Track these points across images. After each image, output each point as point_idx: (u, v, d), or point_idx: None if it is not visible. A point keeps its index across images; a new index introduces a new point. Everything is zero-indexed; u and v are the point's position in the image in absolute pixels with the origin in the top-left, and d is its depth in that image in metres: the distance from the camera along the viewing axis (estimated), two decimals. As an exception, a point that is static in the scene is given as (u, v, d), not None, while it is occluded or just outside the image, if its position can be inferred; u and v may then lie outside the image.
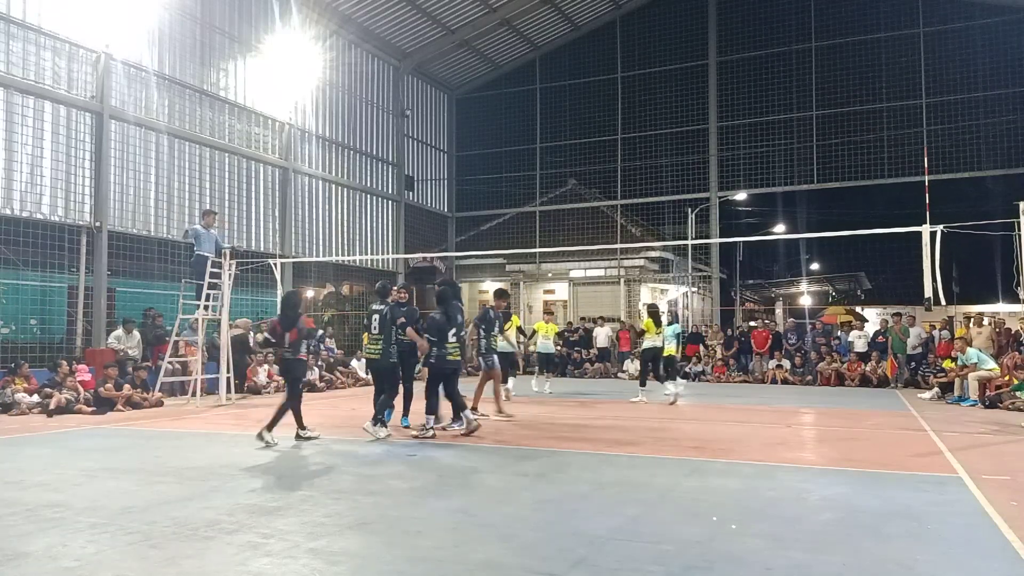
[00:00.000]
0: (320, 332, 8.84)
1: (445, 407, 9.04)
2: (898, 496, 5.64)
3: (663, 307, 24.91)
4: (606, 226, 24.21)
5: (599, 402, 13.50)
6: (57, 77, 13.43)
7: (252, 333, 14.63)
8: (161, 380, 12.72)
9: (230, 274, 12.78)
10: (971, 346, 13.77)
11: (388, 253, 22.82)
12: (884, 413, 11.80)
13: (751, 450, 7.87)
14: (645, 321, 13.91)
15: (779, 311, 28.51)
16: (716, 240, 22.90)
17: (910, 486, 6.11)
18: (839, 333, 19.99)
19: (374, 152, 22.49)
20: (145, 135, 14.98)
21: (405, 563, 4.02)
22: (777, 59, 22.89)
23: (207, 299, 12.74)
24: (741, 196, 23.58)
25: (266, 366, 15.45)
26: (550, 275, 25.02)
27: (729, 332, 20.66)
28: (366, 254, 22.02)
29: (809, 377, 18.10)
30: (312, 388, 15.31)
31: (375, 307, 8.95)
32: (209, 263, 12.70)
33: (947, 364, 14.95)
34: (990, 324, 15.82)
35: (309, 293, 21.90)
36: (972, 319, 16.15)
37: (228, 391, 13.14)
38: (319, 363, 16.37)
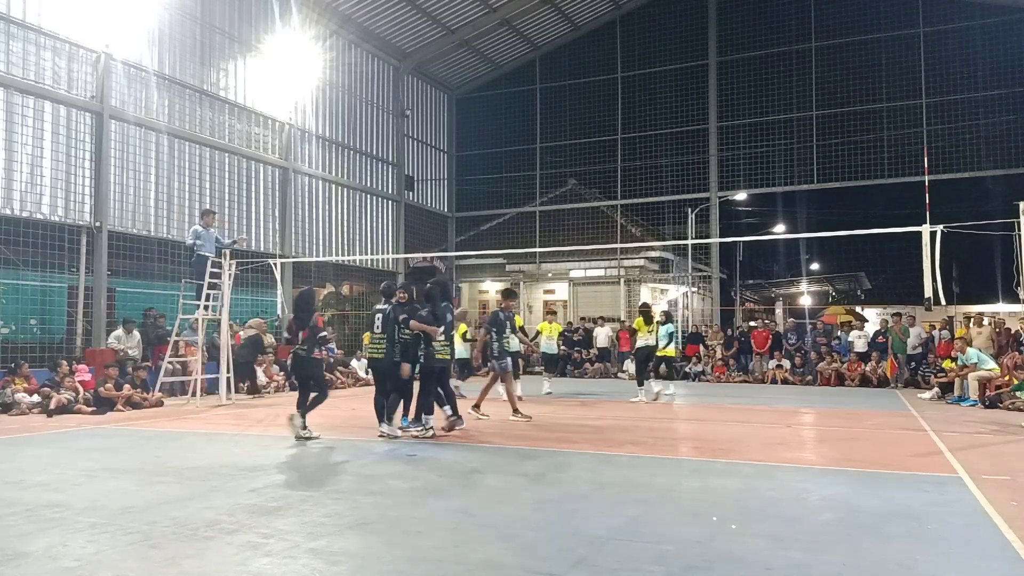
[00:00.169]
0: (323, 333, 8.84)
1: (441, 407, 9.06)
2: (898, 496, 5.64)
3: (664, 307, 24.99)
4: (606, 226, 24.21)
5: (599, 402, 13.50)
6: (57, 77, 13.43)
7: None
8: (161, 380, 12.72)
9: (230, 274, 12.78)
10: (971, 346, 13.77)
11: (388, 253, 22.82)
12: (884, 413, 11.80)
13: (751, 450, 7.87)
14: (636, 320, 13.97)
15: (779, 311, 28.52)
16: (716, 240, 22.90)
17: (910, 486, 6.11)
18: (839, 333, 19.99)
19: (374, 152, 22.49)
20: (145, 135, 14.97)
21: (405, 563, 4.02)
22: (777, 59, 22.88)
23: (207, 299, 12.74)
24: (741, 196, 23.58)
25: (266, 366, 15.45)
26: (550, 275, 25.03)
27: (729, 332, 20.67)
28: (366, 254, 22.02)
29: (809, 377, 18.10)
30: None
31: (378, 307, 8.96)
32: (209, 263, 12.69)
33: (947, 364, 14.95)
34: (990, 324, 15.83)
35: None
36: (972, 319, 16.16)
37: (234, 391, 13.25)
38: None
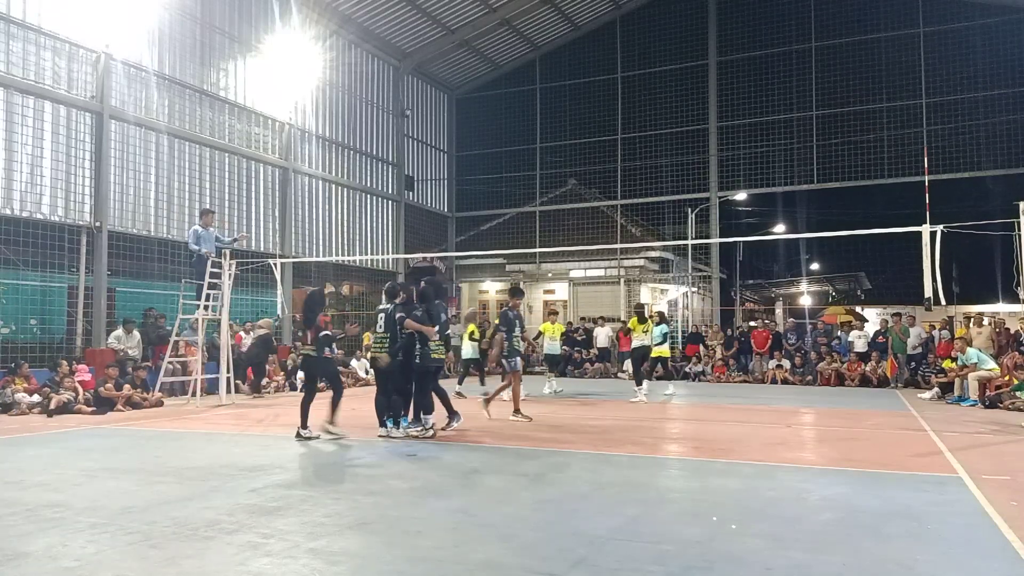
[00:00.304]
0: (325, 332, 8.89)
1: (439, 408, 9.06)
2: (898, 496, 5.64)
3: (663, 307, 24.98)
4: (606, 226, 24.21)
5: (599, 402, 13.50)
6: (57, 77, 13.42)
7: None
8: (161, 380, 12.72)
9: (230, 274, 12.78)
10: (971, 346, 13.77)
11: (388, 253, 22.81)
12: (884, 413, 11.80)
13: (751, 450, 7.87)
14: (631, 320, 13.98)
15: (779, 311, 28.52)
16: (716, 240, 22.89)
17: (910, 486, 6.11)
18: (839, 333, 19.99)
19: (374, 152, 22.49)
20: (145, 135, 14.97)
21: (405, 563, 4.02)
22: (777, 59, 22.88)
23: (207, 299, 12.74)
24: (741, 196, 23.58)
25: (274, 365, 15.45)
26: (550, 275, 25.04)
27: (729, 332, 20.67)
28: (366, 254, 22.02)
29: (809, 377, 18.11)
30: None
31: (381, 307, 8.97)
32: (209, 263, 12.69)
33: (947, 364, 14.95)
34: (990, 324, 15.82)
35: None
36: (972, 319, 16.15)
37: (246, 387, 13.37)
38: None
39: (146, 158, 14.99)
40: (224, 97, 16.94)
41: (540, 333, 16.44)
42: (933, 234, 9.88)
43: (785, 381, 18.14)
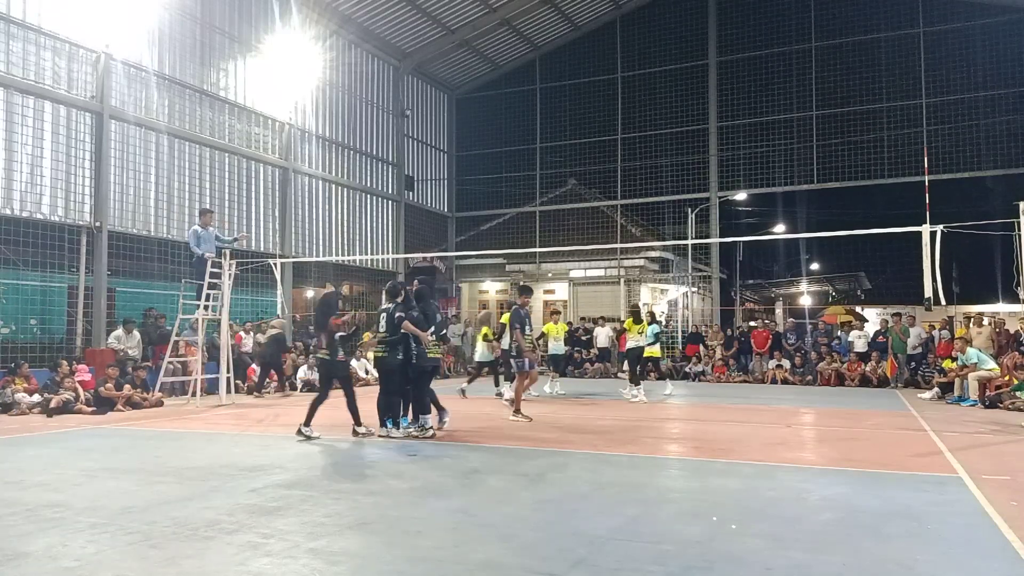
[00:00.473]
0: (341, 333, 8.93)
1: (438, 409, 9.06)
2: (898, 496, 5.64)
3: (663, 307, 24.97)
4: (606, 226, 24.21)
5: (599, 402, 13.50)
6: (57, 77, 13.43)
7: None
8: (161, 380, 12.72)
9: (230, 274, 12.78)
10: (971, 346, 13.77)
11: (388, 253, 22.82)
12: (884, 413, 11.80)
13: (751, 450, 7.87)
14: (627, 321, 13.98)
15: (779, 311, 28.52)
16: (716, 240, 22.89)
17: (910, 486, 6.11)
18: (839, 333, 20.00)
19: (374, 152, 22.49)
20: (145, 135, 14.98)
21: (405, 563, 4.02)
22: (777, 59, 22.89)
23: (207, 299, 12.74)
24: (741, 196, 23.58)
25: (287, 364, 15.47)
26: (550, 275, 25.03)
27: (729, 332, 20.67)
28: (366, 254, 22.02)
29: (809, 377, 18.11)
30: (312, 388, 15.33)
31: (383, 307, 8.97)
32: (209, 263, 12.69)
33: (947, 364, 14.95)
34: (990, 324, 15.82)
35: (309, 293, 21.95)
36: (972, 319, 16.15)
37: (265, 389, 14.04)
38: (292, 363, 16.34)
39: (146, 158, 14.99)
40: (224, 97, 16.94)
41: (543, 334, 16.39)
42: (933, 234, 9.88)
43: (785, 381, 18.14)
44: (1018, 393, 12.11)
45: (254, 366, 15.23)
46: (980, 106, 20.65)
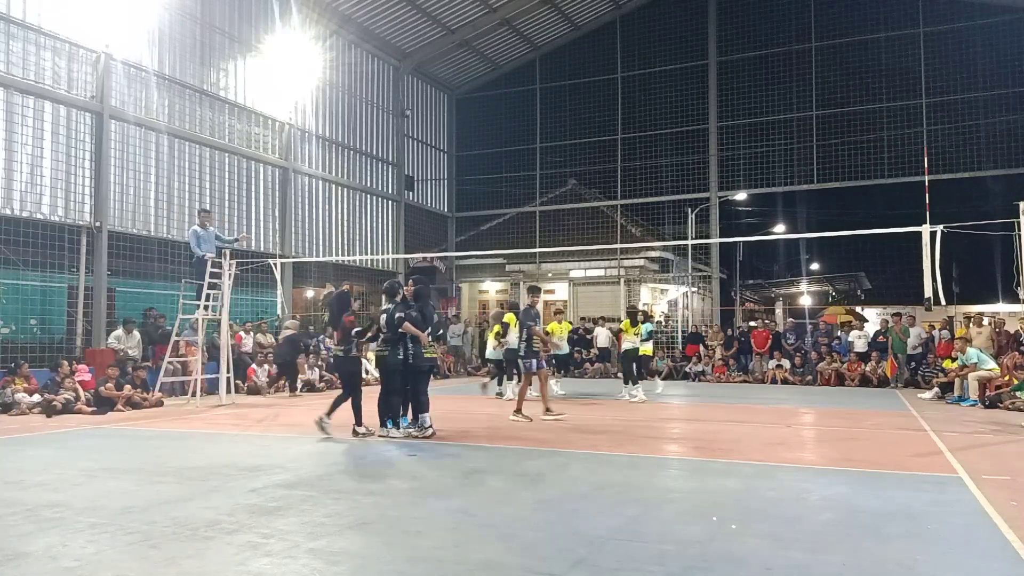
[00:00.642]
0: (357, 329, 9.00)
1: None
2: (898, 496, 5.64)
3: (664, 308, 24.96)
4: (606, 226, 24.21)
5: (599, 402, 13.49)
6: (57, 77, 13.43)
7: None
8: (161, 380, 12.72)
9: (230, 274, 12.78)
10: (971, 346, 13.76)
11: (388, 253, 22.82)
12: (884, 413, 11.80)
13: (751, 450, 7.87)
14: (624, 322, 13.98)
15: (779, 311, 28.51)
16: (716, 240, 22.89)
17: (910, 486, 6.11)
18: (839, 333, 19.99)
19: (374, 152, 22.49)
20: (145, 135, 14.98)
21: (405, 563, 4.02)
22: (777, 59, 22.89)
23: (207, 299, 12.74)
24: (741, 196, 23.58)
25: (266, 366, 15.48)
26: (550, 275, 25.03)
27: (729, 332, 20.67)
28: (366, 254, 22.02)
29: (809, 377, 18.11)
30: (312, 388, 15.38)
31: (384, 307, 8.96)
32: (209, 264, 12.69)
33: (947, 364, 14.95)
34: (990, 324, 15.81)
35: (309, 293, 21.94)
36: (972, 319, 16.15)
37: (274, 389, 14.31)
38: (319, 363, 16.38)
39: (146, 158, 14.99)
40: (224, 97, 16.95)
41: (548, 333, 16.34)
42: (933, 234, 9.88)
43: (785, 381, 18.14)
44: (1018, 393, 12.11)
45: (254, 366, 15.23)
46: (980, 106, 20.65)
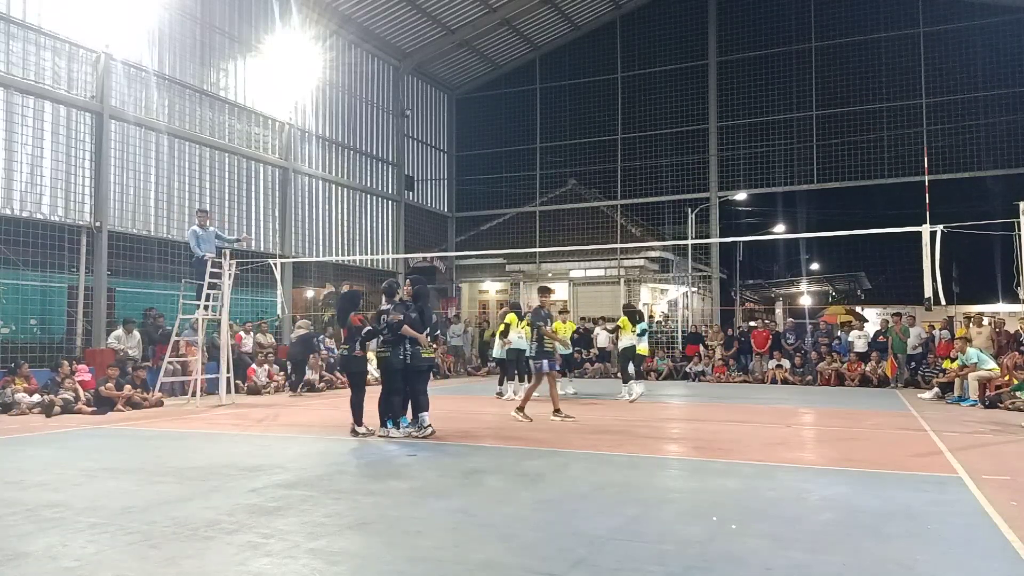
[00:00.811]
0: (367, 328, 9.02)
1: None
2: (898, 496, 5.64)
3: (664, 308, 24.96)
4: (606, 226, 24.20)
5: (599, 402, 13.49)
6: (57, 77, 13.43)
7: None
8: (161, 380, 12.72)
9: (230, 274, 12.78)
10: (971, 346, 13.77)
11: (388, 253, 22.82)
12: (884, 413, 11.80)
13: (751, 450, 7.87)
14: (621, 319, 13.98)
15: (779, 311, 28.51)
16: (716, 240, 22.89)
17: (910, 486, 6.11)
18: (839, 333, 20.00)
19: (374, 152, 22.49)
20: (145, 135, 14.98)
21: (405, 563, 4.02)
22: (777, 59, 22.88)
23: (207, 299, 12.74)
24: (741, 196, 23.58)
25: (266, 366, 15.49)
26: (550, 275, 25.01)
27: (729, 332, 20.66)
28: (366, 254, 22.02)
29: (809, 377, 18.11)
30: (311, 388, 15.38)
31: (383, 307, 8.95)
32: (209, 264, 12.69)
33: (947, 364, 14.94)
34: (990, 324, 15.82)
35: (309, 293, 21.95)
36: (972, 319, 16.15)
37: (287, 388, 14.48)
38: (319, 363, 16.39)
39: (146, 158, 14.99)
40: (224, 97, 16.94)
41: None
42: (933, 234, 9.88)
43: (785, 381, 18.15)
44: (1018, 393, 12.11)
45: (254, 366, 15.23)
46: (980, 106, 20.65)
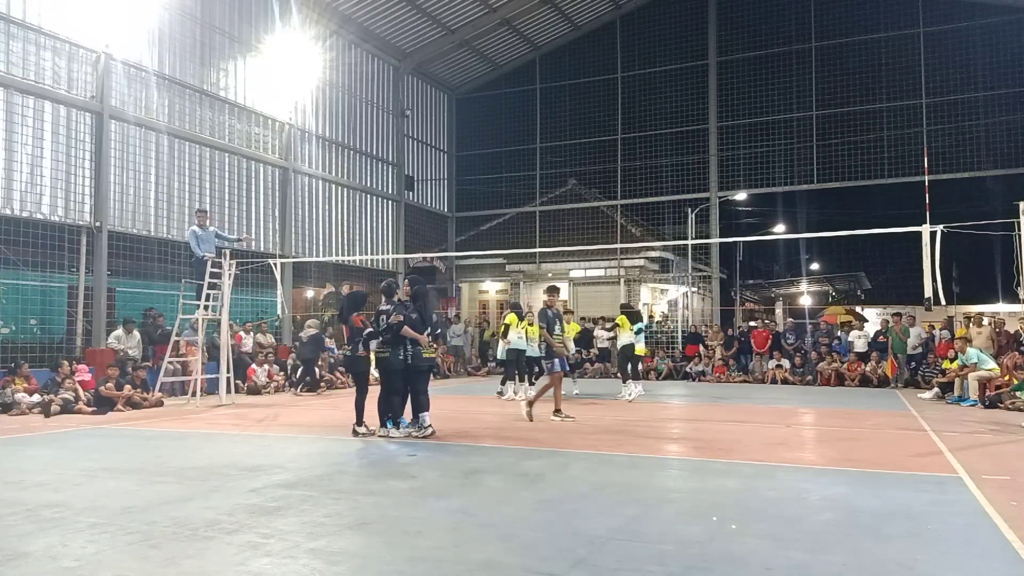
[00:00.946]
0: (368, 330, 9.03)
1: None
2: (898, 496, 5.64)
3: (664, 308, 24.95)
4: (606, 226, 24.20)
5: (599, 402, 13.49)
6: (57, 77, 13.42)
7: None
8: (161, 380, 12.72)
9: (230, 274, 12.78)
10: (971, 346, 13.76)
11: (388, 253, 22.81)
12: (884, 413, 11.80)
13: (751, 450, 7.87)
14: (619, 317, 13.98)
15: (779, 311, 28.51)
16: (716, 240, 22.89)
17: (910, 486, 6.11)
18: (839, 333, 20.00)
19: (374, 152, 22.49)
20: (145, 135, 14.98)
21: (405, 563, 4.02)
22: (777, 59, 22.88)
23: (207, 299, 12.74)
24: (741, 196, 23.58)
25: (266, 366, 15.49)
26: (550, 275, 25.01)
27: (729, 332, 20.66)
28: (366, 254, 22.01)
29: (809, 377, 18.11)
30: (310, 388, 15.38)
31: (382, 307, 8.93)
32: (209, 264, 12.69)
33: (947, 364, 14.94)
34: (990, 324, 15.82)
35: (309, 293, 21.96)
36: (972, 319, 16.16)
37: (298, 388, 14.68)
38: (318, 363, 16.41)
39: (146, 158, 14.99)
40: (224, 97, 16.94)
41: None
42: (933, 234, 9.88)
43: (785, 381, 18.15)
44: (1018, 393, 12.11)
45: (254, 366, 15.23)
46: (980, 106, 20.65)
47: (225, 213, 16.69)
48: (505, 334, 13.58)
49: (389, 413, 8.73)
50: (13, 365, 11.68)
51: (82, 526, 4.69)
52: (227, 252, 12.86)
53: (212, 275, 12.71)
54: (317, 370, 15.57)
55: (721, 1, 23.69)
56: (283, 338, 17.59)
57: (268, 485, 5.94)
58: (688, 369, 19.90)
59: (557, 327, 10.52)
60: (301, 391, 15.01)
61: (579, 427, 9.80)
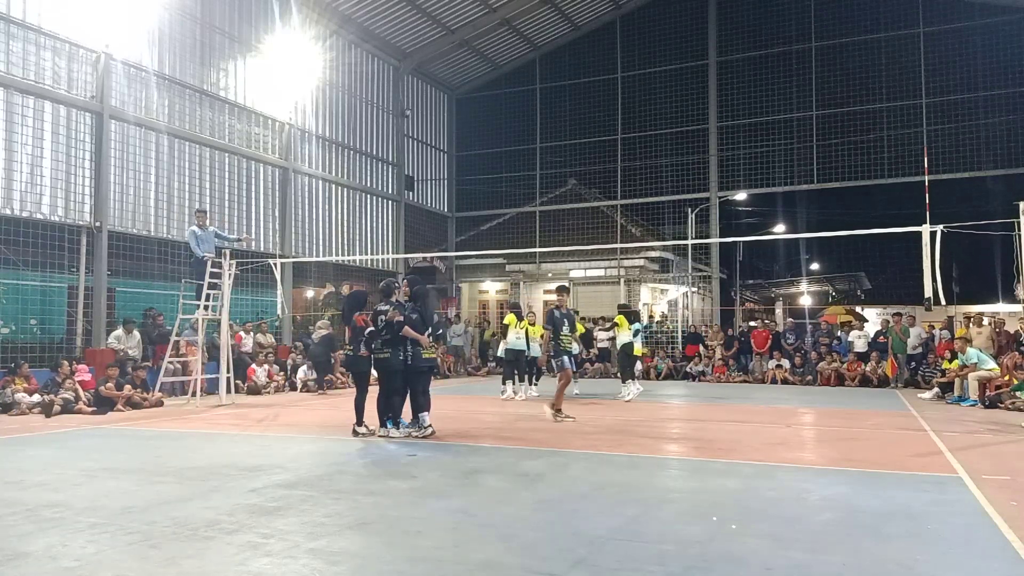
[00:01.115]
0: (370, 329, 9.02)
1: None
2: (898, 496, 5.64)
3: (664, 308, 24.95)
4: (606, 226, 24.20)
5: (599, 402, 13.49)
6: (57, 77, 13.42)
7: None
8: (161, 380, 12.72)
9: (230, 274, 12.78)
10: (971, 346, 13.77)
11: (388, 253, 22.82)
12: (884, 413, 11.80)
13: (751, 450, 7.87)
14: (617, 316, 13.99)
15: (779, 311, 28.51)
16: (716, 240, 22.89)
17: (910, 486, 6.11)
18: (839, 333, 20.00)
19: (374, 152, 22.49)
20: (145, 135, 14.98)
21: (405, 563, 4.02)
22: (777, 59, 22.89)
23: (207, 299, 12.74)
24: (741, 196, 23.58)
25: (266, 366, 15.49)
26: (550, 275, 25.01)
27: (729, 332, 20.67)
28: (366, 254, 22.02)
29: (809, 377, 18.11)
30: (309, 388, 15.39)
31: (380, 307, 8.93)
32: (209, 264, 12.69)
33: (947, 364, 14.94)
34: (990, 324, 15.82)
35: (309, 293, 21.95)
36: (972, 319, 16.16)
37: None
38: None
39: (146, 158, 14.99)
40: (224, 97, 16.94)
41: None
42: (933, 234, 9.88)
43: (785, 381, 18.15)
44: (1018, 393, 12.11)
45: (254, 366, 15.22)
46: (980, 106, 20.65)
47: (225, 213, 16.69)
48: (505, 334, 13.60)
49: (389, 413, 8.72)
50: (13, 365, 11.68)
51: (82, 526, 4.69)
52: (227, 252, 12.86)
53: (212, 275, 12.71)
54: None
55: (721, 1, 23.70)
56: (283, 338, 17.59)
57: (268, 485, 5.94)
58: (688, 369, 19.91)
59: (565, 327, 10.48)
60: (325, 389, 15.16)
61: (579, 427, 9.79)
